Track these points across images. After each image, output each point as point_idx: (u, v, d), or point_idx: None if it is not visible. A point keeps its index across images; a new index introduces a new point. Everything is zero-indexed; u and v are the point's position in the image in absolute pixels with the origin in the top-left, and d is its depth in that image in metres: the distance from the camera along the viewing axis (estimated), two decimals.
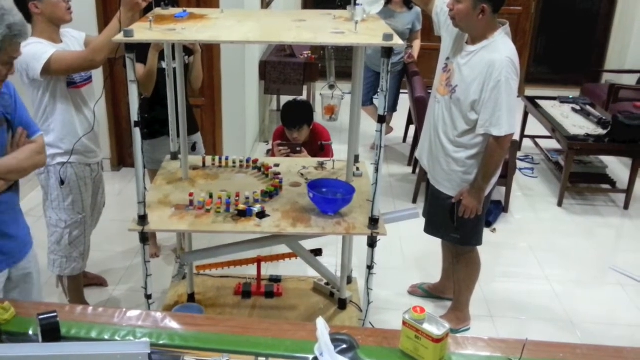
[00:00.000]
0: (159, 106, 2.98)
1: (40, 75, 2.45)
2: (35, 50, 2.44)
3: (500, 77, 2.44)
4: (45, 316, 1.52)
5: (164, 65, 3.02)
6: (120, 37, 1.89)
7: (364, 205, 2.36)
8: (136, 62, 1.98)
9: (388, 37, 1.91)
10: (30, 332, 1.58)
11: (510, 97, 2.47)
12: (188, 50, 3.15)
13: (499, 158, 2.59)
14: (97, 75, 4.43)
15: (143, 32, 1.99)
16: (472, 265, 2.97)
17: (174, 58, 2.69)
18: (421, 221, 2.97)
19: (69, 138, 2.64)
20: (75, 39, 2.72)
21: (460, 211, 2.71)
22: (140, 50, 2.83)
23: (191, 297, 2.95)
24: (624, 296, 3.42)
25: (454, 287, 3.07)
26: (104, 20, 4.26)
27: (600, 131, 4.50)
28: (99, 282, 3.33)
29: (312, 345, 1.46)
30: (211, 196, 2.39)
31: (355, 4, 2.25)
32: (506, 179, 4.18)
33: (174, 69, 2.68)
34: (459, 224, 2.75)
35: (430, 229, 2.95)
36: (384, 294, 3.17)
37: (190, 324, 1.66)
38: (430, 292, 3.36)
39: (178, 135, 2.72)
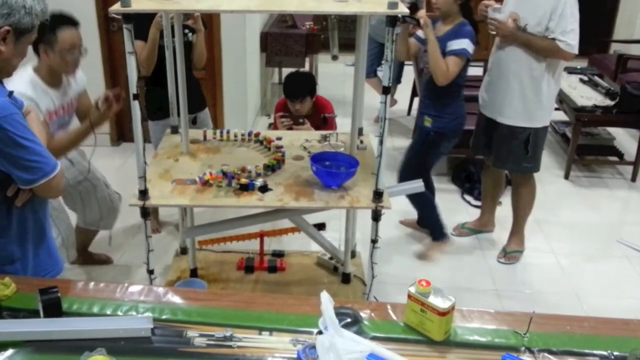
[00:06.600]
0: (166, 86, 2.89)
1: None
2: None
3: (565, 4, 2.81)
4: (46, 291, 1.50)
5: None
6: (117, 7, 1.84)
7: (367, 178, 2.33)
8: (136, 39, 1.93)
9: (393, 5, 1.85)
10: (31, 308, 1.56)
11: (576, 18, 2.85)
12: (191, 28, 3.09)
13: (552, 54, 2.92)
14: (97, 58, 4.39)
15: (141, 1, 1.94)
16: (533, 189, 3.31)
17: (173, 35, 2.62)
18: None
19: None
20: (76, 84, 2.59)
21: (492, 25, 2.97)
22: (141, 27, 2.75)
23: (194, 272, 2.94)
24: (630, 269, 3.40)
25: (514, 213, 3.39)
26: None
27: (608, 102, 4.43)
28: (107, 260, 3.32)
29: (316, 319, 1.44)
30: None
31: None
32: None
33: (174, 45, 2.60)
34: (532, 152, 3.11)
35: (501, 163, 3.28)
36: (388, 268, 3.15)
37: (193, 298, 1.64)
38: (476, 229, 3.67)
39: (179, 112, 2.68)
